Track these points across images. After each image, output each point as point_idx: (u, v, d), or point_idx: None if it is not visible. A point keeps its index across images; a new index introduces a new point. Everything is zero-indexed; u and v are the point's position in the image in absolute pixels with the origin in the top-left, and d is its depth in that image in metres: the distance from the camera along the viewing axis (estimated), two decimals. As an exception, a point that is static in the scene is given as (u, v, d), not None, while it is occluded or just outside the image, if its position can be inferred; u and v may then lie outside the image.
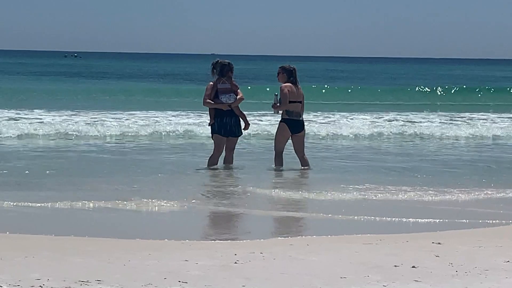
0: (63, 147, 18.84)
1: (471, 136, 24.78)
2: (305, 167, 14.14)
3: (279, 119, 14.21)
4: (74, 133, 20.64)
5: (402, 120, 29.38)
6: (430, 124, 28.61)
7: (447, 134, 24.82)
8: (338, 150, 19.91)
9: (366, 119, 29.47)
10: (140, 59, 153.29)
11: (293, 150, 14.46)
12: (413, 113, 32.27)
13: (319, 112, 29.47)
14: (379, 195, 12.22)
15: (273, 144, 14.45)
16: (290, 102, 13.83)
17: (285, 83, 13.89)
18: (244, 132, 14.63)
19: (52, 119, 25.26)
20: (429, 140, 23.75)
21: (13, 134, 19.75)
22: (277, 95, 13.93)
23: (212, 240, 8.84)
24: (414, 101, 41.71)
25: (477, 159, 17.89)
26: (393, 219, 10.24)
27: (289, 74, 14.05)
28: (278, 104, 13.96)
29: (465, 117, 31.15)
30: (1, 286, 5.57)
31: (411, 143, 22.69)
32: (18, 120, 24.39)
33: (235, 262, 6.75)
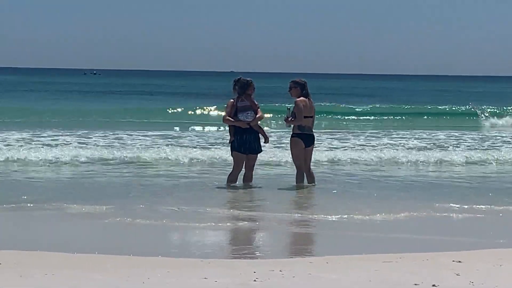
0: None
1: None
2: (312, 184, 13.97)
3: (291, 133, 14.00)
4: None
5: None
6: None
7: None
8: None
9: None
10: (161, 77, 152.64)
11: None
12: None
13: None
14: (401, 213, 11.92)
15: (292, 161, 14.25)
16: (305, 117, 13.64)
17: (298, 97, 13.67)
18: (266, 146, 14.42)
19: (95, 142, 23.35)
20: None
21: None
22: (289, 108, 13.80)
23: (231, 258, 8.82)
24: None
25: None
26: (413, 236, 10.13)
27: (302, 88, 13.84)
28: (291, 118, 13.76)
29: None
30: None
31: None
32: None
33: (254, 280, 6.70)
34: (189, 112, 39.40)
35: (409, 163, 19.62)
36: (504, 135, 28.58)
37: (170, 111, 38.69)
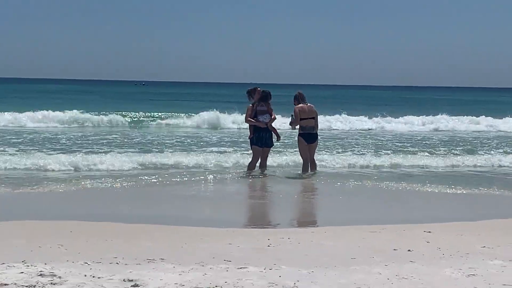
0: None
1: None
2: (313, 171, 14.23)
3: (297, 133, 14.27)
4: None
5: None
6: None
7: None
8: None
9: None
10: (198, 87, 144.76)
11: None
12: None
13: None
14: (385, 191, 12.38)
15: (300, 155, 14.43)
16: (302, 119, 13.89)
17: (297, 105, 14.05)
18: (277, 143, 14.77)
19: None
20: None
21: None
22: (292, 115, 14.10)
23: (250, 228, 9.06)
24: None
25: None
26: (393, 212, 10.52)
27: (296, 98, 14.22)
28: (291, 122, 14.28)
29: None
30: (87, 263, 5.84)
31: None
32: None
33: (268, 246, 7.17)
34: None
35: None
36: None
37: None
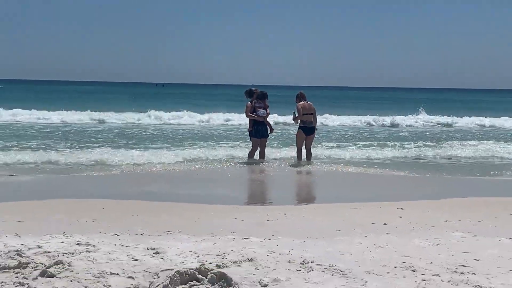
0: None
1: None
2: (309, 160, 14.17)
3: (298, 126, 14.30)
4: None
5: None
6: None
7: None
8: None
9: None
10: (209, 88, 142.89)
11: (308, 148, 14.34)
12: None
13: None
14: (364, 174, 12.38)
15: (295, 144, 14.50)
16: (303, 114, 13.99)
17: (298, 103, 14.11)
18: (271, 134, 14.66)
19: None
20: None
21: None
22: (294, 112, 14.15)
23: (252, 205, 9.13)
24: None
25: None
26: (371, 191, 10.48)
27: (298, 97, 14.29)
28: (293, 118, 14.33)
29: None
30: (116, 234, 5.82)
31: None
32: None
33: (267, 220, 7.27)
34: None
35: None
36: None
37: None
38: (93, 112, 28.01)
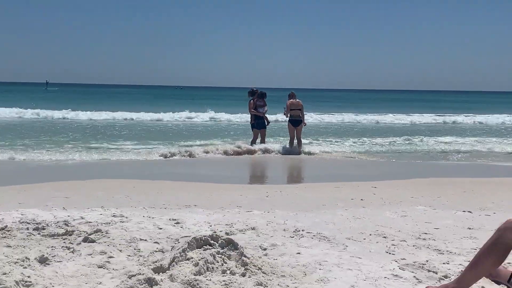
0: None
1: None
2: (300, 147, 13.99)
3: (287, 120, 14.31)
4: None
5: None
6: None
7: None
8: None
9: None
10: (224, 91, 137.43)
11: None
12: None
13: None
14: (343, 160, 12.43)
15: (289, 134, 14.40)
16: (291, 110, 14.07)
17: (288, 100, 14.24)
18: (268, 126, 14.52)
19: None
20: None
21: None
22: (285, 108, 14.23)
23: (254, 184, 9.19)
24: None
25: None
26: (350, 173, 10.44)
27: (289, 96, 14.43)
28: (284, 112, 14.40)
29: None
30: (144, 208, 5.85)
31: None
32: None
33: (266, 196, 7.26)
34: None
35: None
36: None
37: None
38: (148, 113, 27.50)
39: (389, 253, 4.19)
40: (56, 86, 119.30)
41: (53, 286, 3.18)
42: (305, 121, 14.57)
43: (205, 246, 3.64)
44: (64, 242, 4.14)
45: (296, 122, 14.20)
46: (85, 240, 4.17)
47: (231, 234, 4.48)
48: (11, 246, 3.98)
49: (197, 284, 3.06)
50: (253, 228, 4.83)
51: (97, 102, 40.56)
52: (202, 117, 27.14)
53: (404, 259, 4.01)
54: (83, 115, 26.05)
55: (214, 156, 12.80)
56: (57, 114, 25.92)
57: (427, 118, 30.32)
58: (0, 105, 28.59)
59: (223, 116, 27.16)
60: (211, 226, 4.92)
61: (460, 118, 30.29)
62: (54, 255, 3.78)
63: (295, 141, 14.27)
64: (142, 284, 3.12)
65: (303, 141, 14.67)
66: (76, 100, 44.99)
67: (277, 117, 22.09)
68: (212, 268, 3.37)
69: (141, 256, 3.87)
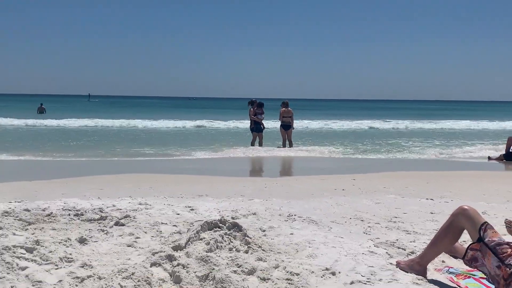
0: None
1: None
2: (291, 147, 14.14)
3: (280, 125, 14.38)
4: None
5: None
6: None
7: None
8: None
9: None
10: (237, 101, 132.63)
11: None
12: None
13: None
14: (328, 157, 12.42)
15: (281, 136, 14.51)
16: (284, 117, 14.16)
17: (281, 109, 14.29)
18: (264, 129, 14.54)
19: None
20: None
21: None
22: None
23: (253, 176, 9.17)
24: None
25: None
26: (333, 166, 10.40)
27: (282, 104, 14.43)
28: (279, 118, 14.38)
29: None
30: (165, 197, 5.84)
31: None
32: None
33: (265, 187, 7.21)
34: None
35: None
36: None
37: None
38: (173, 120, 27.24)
39: (366, 234, 4.20)
40: (97, 97, 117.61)
41: (90, 262, 3.18)
42: (294, 126, 14.63)
43: (215, 228, 3.64)
44: (99, 226, 4.14)
45: (286, 126, 14.34)
46: (116, 224, 4.18)
47: (236, 218, 4.49)
48: (55, 229, 3.98)
49: (209, 259, 3.06)
50: (254, 214, 4.83)
51: (134, 111, 40.66)
52: (217, 124, 26.90)
53: (378, 238, 4.02)
54: (138, 123, 25.75)
55: (222, 156, 12.76)
56: (108, 122, 25.72)
57: (395, 124, 30.16)
58: (56, 116, 28.42)
59: (230, 124, 27.00)
60: (219, 212, 4.90)
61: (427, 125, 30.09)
62: (91, 236, 3.78)
63: (287, 142, 14.37)
64: (163, 260, 3.13)
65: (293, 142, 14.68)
66: (117, 109, 45.21)
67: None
68: (221, 246, 3.37)
69: (162, 236, 3.88)
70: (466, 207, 3.02)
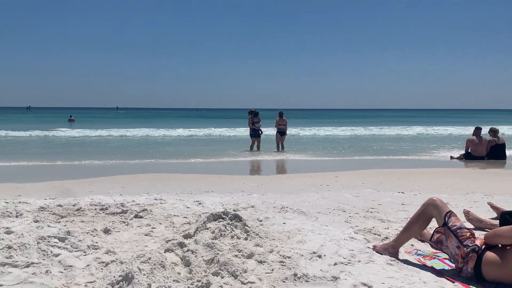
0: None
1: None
2: (283, 150, 14.07)
3: (276, 131, 14.32)
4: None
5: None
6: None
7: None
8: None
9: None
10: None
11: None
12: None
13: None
14: (318, 158, 12.39)
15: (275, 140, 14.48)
16: (279, 124, 14.12)
17: (278, 117, 14.27)
18: (262, 135, 14.38)
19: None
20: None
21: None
22: (275, 122, 14.28)
23: (252, 175, 9.03)
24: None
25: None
26: (319, 167, 10.08)
27: (279, 113, 14.40)
28: (275, 126, 14.34)
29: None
30: (177, 193, 5.79)
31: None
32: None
33: (261, 184, 7.18)
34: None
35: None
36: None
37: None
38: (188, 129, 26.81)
39: (347, 222, 4.20)
40: (124, 109, 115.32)
41: (113, 249, 3.18)
42: (287, 132, 14.67)
43: (219, 219, 3.64)
44: (121, 218, 4.14)
45: (281, 132, 14.31)
46: (136, 216, 4.18)
47: (237, 210, 4.48)
48: (84, 222, 3.98)
49: (214, 245, 3.06)
50: (252, 206, 4.81)
51: (154, 121, 40.48)
52: (221, 131, 26.56)
53: (357, 226, 4.03)
54: (157, 132, 25.12)
55: (225, 158, 12.69)
56: (135, 131, 25.23)
57: (376, 130, 29.96)
58: (87, 126, 27.90)
59: (232, 132, 26.69)
60: (223, 205, 4.89)
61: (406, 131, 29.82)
62: (114, 227, 3.78)
63: (280, 146, 14.34)
64: (175, 246, 3.12)
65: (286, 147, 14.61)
66: (141, 120, 45.08)
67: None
68: (224, 234, 3.37)
69: (174, 227, 3.88)
70: (435, 198, 3.04)
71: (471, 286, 2.58)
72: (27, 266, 2.71)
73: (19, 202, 4.60)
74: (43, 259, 2.83)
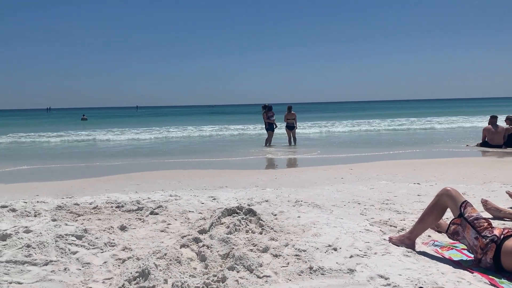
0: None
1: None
2: (295, 144, 14.10)
3: (285, 125, 14.40)
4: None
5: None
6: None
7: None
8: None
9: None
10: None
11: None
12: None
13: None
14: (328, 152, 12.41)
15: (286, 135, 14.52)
16: (288, 119, 14.17)
17: (287, 111, 14.30)
18: (276, 129, 14.51)
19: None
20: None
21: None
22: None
23: (267, 169, 9.04)
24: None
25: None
26: (333, 160, 10.08)
27: (288, 108, 14.42)
28: (284, 121, 14.38)
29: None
30: (191, 189, 5.83)
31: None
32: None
33: (275, 178, 7.19)
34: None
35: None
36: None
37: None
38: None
39: (362, 214, 4.16)
40: (143, 108, 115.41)
41: (130, 246, 3.20)
42: (297, 126, 14.62)
43: (233, 214, 3.64)
44: (137, 215, 4.17)
45: (290, 127, 14.39)
46: (151, 213, 4.20)
47: (251, 205, 4.48)
48: (101, 219, 4.01)
49: (229, 240, 3.06)
50: (266, 201, 4.80)
51: (171, 119, 40.66)
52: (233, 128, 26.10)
53: (373, 218, 3.99)
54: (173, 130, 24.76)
55: (238, 153, 12.72)
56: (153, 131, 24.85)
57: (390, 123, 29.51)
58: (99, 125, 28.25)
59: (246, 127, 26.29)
60: (237, 200, 4.89)
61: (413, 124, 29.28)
62: (130, 224, 3.81)
63: (292, 140, 14.39)
64: (191, 242, 3.14)
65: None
66: (161, 118, 45.34)
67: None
68: (239, 229, 3.37)
69: (189, 222, 3.88)
70: (449, 188, 2.98)
71: (490, 276, 2.54)
72: (46, 264, 2.75)
73: (37, 202, 4.67)
74: (61, 257, 2.87)
